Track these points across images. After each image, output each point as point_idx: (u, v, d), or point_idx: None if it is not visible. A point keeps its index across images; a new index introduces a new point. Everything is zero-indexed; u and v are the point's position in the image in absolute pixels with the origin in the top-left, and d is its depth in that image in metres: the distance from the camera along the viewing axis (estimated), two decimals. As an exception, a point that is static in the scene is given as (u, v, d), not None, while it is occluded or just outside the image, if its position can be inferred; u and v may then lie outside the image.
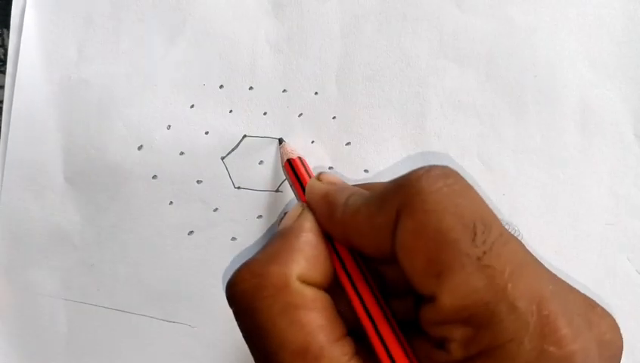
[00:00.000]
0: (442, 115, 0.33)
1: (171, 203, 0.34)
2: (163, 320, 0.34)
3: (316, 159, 0.33)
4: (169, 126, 0.34)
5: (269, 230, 0.33)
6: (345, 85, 0.33)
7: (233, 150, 0.34)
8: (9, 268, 0.34)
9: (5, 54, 0.35)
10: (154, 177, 0.34)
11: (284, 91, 0.34)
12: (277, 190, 0.33)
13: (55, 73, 0.34)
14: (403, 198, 0.19)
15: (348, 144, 0.33)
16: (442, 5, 0.33)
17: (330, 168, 0.33)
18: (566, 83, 0.33)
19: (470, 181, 0.33)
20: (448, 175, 0.20)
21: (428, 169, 0.20)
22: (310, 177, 0.28)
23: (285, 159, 0.30)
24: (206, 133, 0.34)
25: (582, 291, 0.33)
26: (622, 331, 0.32)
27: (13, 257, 0.34)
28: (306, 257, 0.22)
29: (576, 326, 0.17)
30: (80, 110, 0.34)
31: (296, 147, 0.32)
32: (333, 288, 0.22)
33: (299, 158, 0.30)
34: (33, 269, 0.34)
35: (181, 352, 0.34)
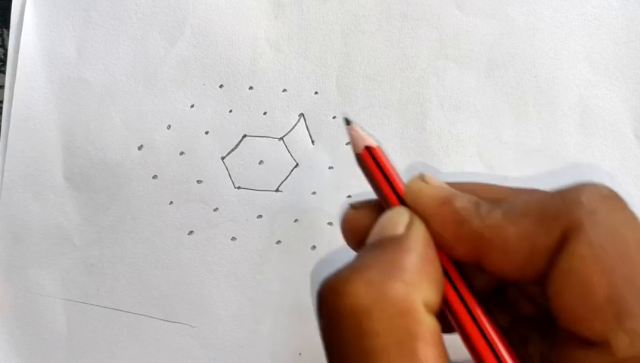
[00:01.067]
0: (443, 115, 0.33)
1: (171, 202, 0.34)
2: (163, 320, 0.34)
3: (316, 159, 0.33)
4: (169, 126, 0.34)
5: (227, 225, 0.32)
6: (345, 85, 0.33)
7: (233, 149, 0.34)
8: (9, 268, 0.34)
9: (5, 54, 0.35)
10: (154, 177, 0.34)
11: (284, 90, 0.34)
12: (277, 190, 0.33)
13: (55, 73, 0.34)
14: (573, 217, 0.17)
15: (348, 143, 0.33)
16: (442, 5, 0.33)
17: (330, 167, 0.33)
18: (566, 83, 0.33)
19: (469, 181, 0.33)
20: (619, 200, 0.18)
21: (595, 186, 0.17)
22: (399, 176, 0.22)
23: (362, 146, 0.23)
24: (206, 133, 0.34)
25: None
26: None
27: (12, 257, 0.34)
28: (431, 279, 0.18)
29: None
30: (80, 109, 0.34)
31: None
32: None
33: (379, 147, 0.24)
34: (33, 269, 0.34)
35: (181, 352, 0.34)
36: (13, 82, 0.34)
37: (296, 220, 0.33)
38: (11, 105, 0.34)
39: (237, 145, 0.34)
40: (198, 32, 0.34)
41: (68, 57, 0.34)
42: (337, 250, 0.33)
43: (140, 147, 0.34)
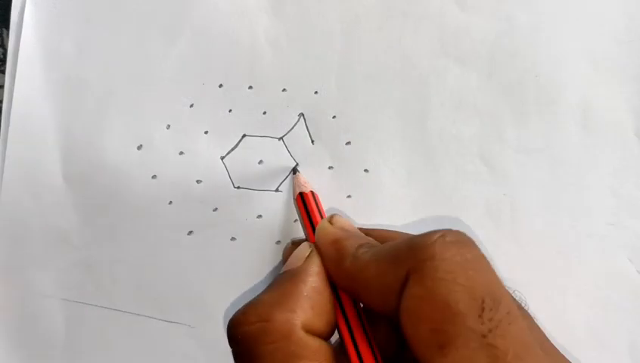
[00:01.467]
0: (443, 114, 0.33)
1: (170, 202, 0.34)
2: (162, 320, 0.34)
3: (316, 159, 0.33)
4: (169, 126, 0.34)
5: (227, 225, 0.33)
6: (345, 84, 0.33)
7: (232, 149, 0.34)
8: (8, 268, 0.34)
9: (5, 54, 0.35)
10: (154, 177, 0.34)
11: (284, 90, 0.34)
12: (276, 190, 0.33)
13: (55, 73, 0.34)
14: (414, 261, 0.19)
15: (348, 143, 0.33)
16: (443, 4, 0.33)
17: (330, 167, 0.33)
18: (567, 83, 0.33)
19: (470, 181, 0.33)
20: (463, 242, 0.20)
21: (443, 234, 0.20)
22: (321, 215, 0.27)
23: (297, 191, 0.30)
24: (206, 133, 0.34)
25: (582, 291, 0.33)
26: (622, 331, 0.32)
27: (11, 257, 0.34)
28: (313, 305, 0.21)
29: None
30: (79, 109, 0.34)
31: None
32: (331, 336, 0.22)
33: (312, 192, 0.29)
34: (32, 269, 0.34)
35: (181, 352, 0.34)
36: (13, 82, 0.34)
37: (296, 220, 0.33)
38: (11, 105, 0.34)
39: (237, 145, 0.34)
40: (198, 32, 0.34)
41: (68, 56, 0.34)
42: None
43: (139, 147, 0.34)
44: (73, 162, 0.34)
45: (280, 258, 0.33)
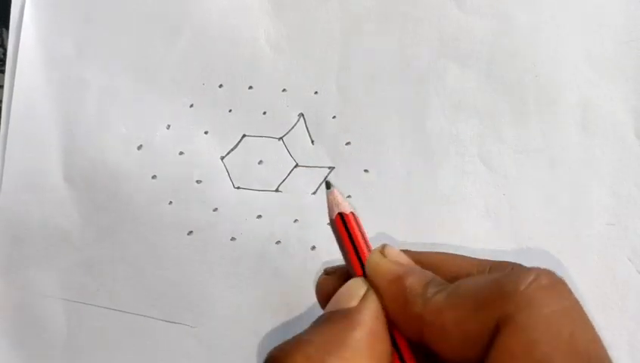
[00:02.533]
0: (443, 115, 0.33)
1: (170, 202, 0.34)
2: (163, 320, 0.34)
3: (316, 159, 0.33)
4: (169, 126, 0.34)
5: (227, 225, 0.32)
6: (345, 85, 0.33)
7: (232, 149, 0.34)
8: (9, 268, 0.34)
9: (5, 54, 0.35)
10: (154, 177, 0.34)
11: (284, 90, 0.34)
12: (276, 190, 0.33)
13: (55, 73, 0.34)
14: (508, 308, 0.17)
15: (348, 143, 0.33)
16: (442, 5, 0.33)
17: (330, 168, 0.33)
18: (567, 83, 0.33)
19: (470, 181, 0.33)
20: (559, 288, 0.18)
21: (537, 277, 0.18)
22: (367, 245, 0.23)
23: (336, 211, 0.24)
24: (206, 133, 0.34)
25: (581, 291, 0.32)
26: (622, 331, 0.32)
27: (12, 257, 0.34)
28: (371, 354, 0.19)
29: None
30: (79, 109, 0.34)
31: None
32: None
33: (353, 213, 0.24)
34: (33, 269, 0.34)
35: (181, 352, 0.34)
36: (13, 82, 0.34)
37: (295, 220, 0.33)
38: (11, 105, 0.34)
39: (237, 145, 0.34)
40: (198, 32, 0.34)
41: (67, 56, 0.34)
42: (337, 251, 0.33)
43: (139, 147, 0.34)
44: (74, 163, 0.34)
45: (280, 257, 0.33)
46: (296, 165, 0.33)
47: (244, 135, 0.34)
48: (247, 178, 0.33)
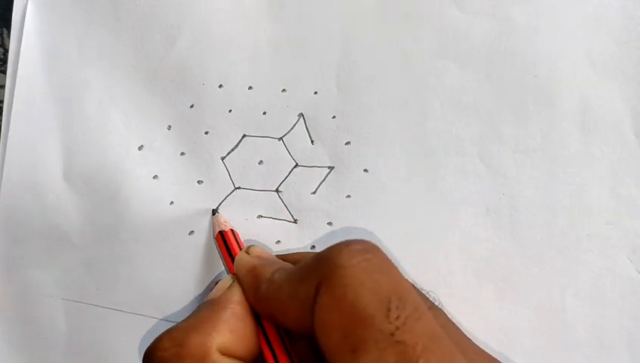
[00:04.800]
0: (443, 115, 0.33)
1: (171, 203, 0.34)
2: (163, 320, 0.34)
3: (316, 159, 0.33)
4: (170, 126, 0.34)
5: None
6: (345, 85, 0.33)
7: (233, 150, 0.34)
8: (8, 268, 0.35)
9: (5, 54, 0.35)
10: (155, 177, 0.34)
11: (284, 90, 0.34)
12: (277, 190, 0.33)
13: (55, 73, 0.34)
14: (322, 273, 0.20)
15: (348, 143, 0.33)
16: (442, 5, 0.33)
17: (330, 168, 0.33)
18: (566, 83, 0.33)
19: (470, 181, 0.33)
20: (367, 250, 0.20)
21: (348, 244, 0.20)
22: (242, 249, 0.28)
23: (217, 230, 0.31)
24: (206, 133, 0.34)
25: (581, 291, 0.33)
26: (622, 331, 0.32)
27: (12, 257, 0.34)
28: (231, 329, 0.22)
29: None
30: (80, 110, 0.34)
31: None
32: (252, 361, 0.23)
33: (232, 230, 0.31)
34: (32, 269, 0.34)
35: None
36: (14, 82, 0.34)
37: (295, 220, 0.33)
38: (12, 105, 0.34)
39: (237, 145, 0.34)
40: (198, 33, 0.34)
41: (68, 57, 0.34)
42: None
43: (140, 148, 0.34)
44: (74, 163, 0.34)
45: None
46: (296, 165, 0.33)
47: (244, 135, 0.34)
48: (248, 178, 0.33)
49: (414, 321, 0.18)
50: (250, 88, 0.34)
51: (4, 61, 0.35)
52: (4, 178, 0.34)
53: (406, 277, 0.21)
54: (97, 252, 0.34)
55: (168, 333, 0.22)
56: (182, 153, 0.34)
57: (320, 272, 0.20)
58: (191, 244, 0.33)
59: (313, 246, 0.33)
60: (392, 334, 0.18)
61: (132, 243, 0.34)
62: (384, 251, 0.22)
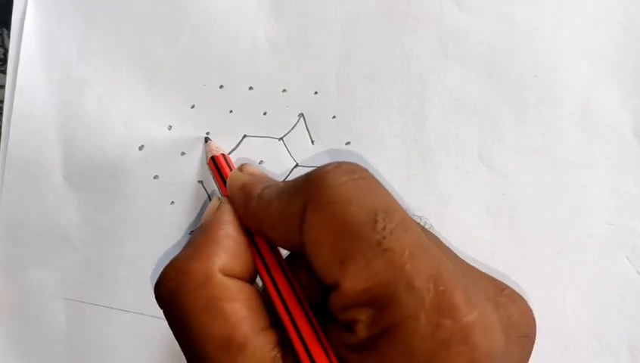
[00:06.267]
0: (443, 114, 0.33)
1: (172, 202, 0.34)
2: (163, 319, 0.33)
3: (316, 159, 0.33)
4: (170, 127, 0.34)
5: (193, 223, 0.33)
6: (345, 85, 0.33)
7: (234, 150, 0.34)
8: (8, 268, 0.35)
9: (5, 54, 0.35)
10: (155, 177, 0.34)
11: (284, 90, 0.34)
12: (277, 190, 0.33)
13: (55, 73, 0.34)
14: (310, 191, 0.20)
15: (348, 143, 0.33)
16: (442, 4, 0.33)
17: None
18: (566, 83, 0.33)
19: (470, 181, 0.33)
20: (354, 170, 0.21)
21: (337, 165, 0.21)
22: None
23: (209, 156, 0.30)
24: (207, 133, 0.34)
25: (581, 291, 0.33)
26: (622, 332, 0.32)
27: (12, 257, 0.34)
28: (227, 250, 0.22)
29: (474, 300, 0.18)
30: (80, 109, 0.34)
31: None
32: (254, 278, 0.23)
33: (223, 155, 0.30)
34: (33, 269, 0.34)
35: (181, 351, 0.34)
36: (14, 82, 0.34)
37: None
38: (12, 105, 0.34)
39: (238, 145, 0.34)
40: (198, 33, 0.34)
41: (69, 57, 0.34)
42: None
43: (141, 148, 0.34)
44: (74, 163, 0.34)
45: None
46: (297, 165, 0.33)
47: (245, 135, 0.34)
48: (248, 178, 0.33)
49: (402, 232, 0.19)
50: (251, 88, 0.34)
51: (4, 61, 0.35)
52: (5, 178, 0.34)
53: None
54: (97, 252, 0.34)
55: (170, 264, 0.22)
56: (183, 154, 0.34)
57: (308, 190, 0.20)
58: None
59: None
60: (379, 243, 0.18)
61: (133, 243, 0.34)
62: None
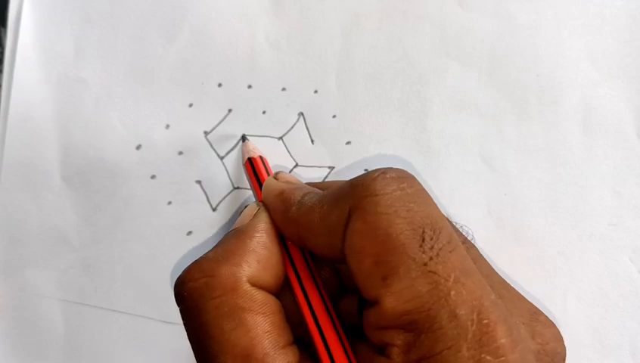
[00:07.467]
0: (444, 114, 0.33)
1: (170, 202, 0.33)
2: (161, 320, 0.33)
3: (316, 159, 0.33)
4: (168, 126, 0.34)
5: (225, 225, 0.33)
6: (345, 84, 0.33)
7: (232, 149, 0.33)
8: (6, 269, 0.34)
9: (2, 53, 0.35)
10: (153, 177, 0.34)
11: (284, 89, 0.33)
12: (276, 190, 0.33)
13: (53, 72, 0.34)
14: (356, 198, 0.19)
15: (348, 143, 0.33)
16: (444, 3, 0.33)
17: (330, 167, 0.33)
18: (568, 82, 0.33)
19: (471, 181, 0.33)
20: (403, 178, 0.20)
21: (384, 171, 0.20)
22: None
23: (246, 157, 0.30)
24: (205, 132, 0.33)
25: (583, 291, 0.32)
26: (623, 332, 0.32)
27: (10, 257, 0.34)
28: (259, 259, 0.22)
29: (515, 336, 0.17)
30: (78, 109, 0.34)
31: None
32: (284, 293, 0.23)
33: (261, 157, 0.30)
34: (31, 270, 0.34)
35: (179, 352, 0.33)
36: (11, 82, 0.34)
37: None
38: (9, 104, 0.34)
39: (236, 144, 0.33)
40: (197, 31, 0.34)
41: (66, 56, 0.34)
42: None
43: (138, 147, 0.34)
44: (72, 162, 0.34)
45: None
46: (296, 165, 0.33)
47: (244, 135, 0.33)
48: (247, 177, 0.33)
49: (448, 253, 0.18)
50: (250, 86, 0.33)
51: (1, 60, 0.35)
52: (2, 179, 0.34)
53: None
54: (95, 253, 0.34)
55: (197, 263, 0.21)
56: (180, 153, 0.34)
57: (354, 198, 0.19)
58: (189, 244, 0.33)
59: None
60: (425, 264, 0.18)
61: (130, 243, 0.33)
62: None
